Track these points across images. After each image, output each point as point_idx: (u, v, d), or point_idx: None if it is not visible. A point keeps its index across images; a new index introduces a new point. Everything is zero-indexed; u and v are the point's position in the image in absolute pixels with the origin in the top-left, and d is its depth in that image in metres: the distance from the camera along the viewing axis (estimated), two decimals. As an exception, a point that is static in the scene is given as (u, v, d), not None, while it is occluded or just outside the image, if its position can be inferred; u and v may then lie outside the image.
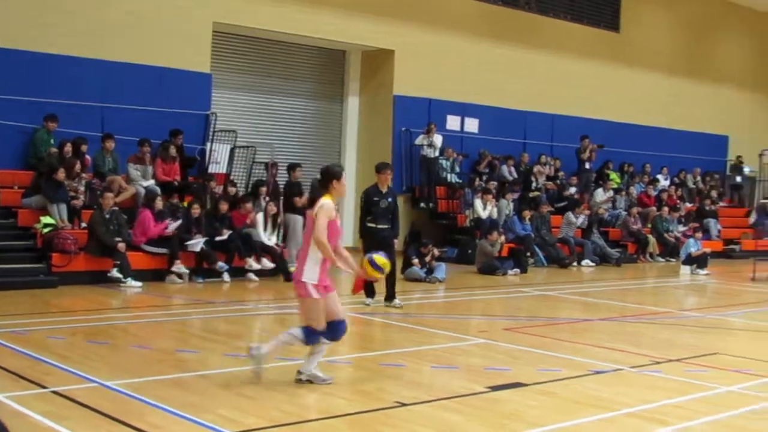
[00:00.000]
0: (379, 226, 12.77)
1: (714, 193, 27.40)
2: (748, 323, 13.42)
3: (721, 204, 27.58)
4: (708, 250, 21.20)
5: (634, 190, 25.04)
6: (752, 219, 26.11)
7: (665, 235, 23.20)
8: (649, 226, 23.46)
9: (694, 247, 20.94)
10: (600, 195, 23.49)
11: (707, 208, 26.02)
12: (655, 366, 9.35)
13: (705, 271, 20.19)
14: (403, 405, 7.31)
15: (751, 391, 8.39)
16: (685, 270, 20.39)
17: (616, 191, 24.49)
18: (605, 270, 20.34)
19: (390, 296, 12.96)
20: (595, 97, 25.81)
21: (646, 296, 16.75)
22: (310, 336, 7.78)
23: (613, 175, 25.27)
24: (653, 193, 25.37)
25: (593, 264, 20.82)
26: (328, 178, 7.93)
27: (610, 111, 26.08)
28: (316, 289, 7.70)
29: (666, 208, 24.09)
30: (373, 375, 8.61)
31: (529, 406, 7.48)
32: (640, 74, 27.42)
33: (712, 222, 25.39)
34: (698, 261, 20.41)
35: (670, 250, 22.89)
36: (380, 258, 8.43)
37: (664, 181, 26.66)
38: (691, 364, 9.52)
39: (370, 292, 12.94)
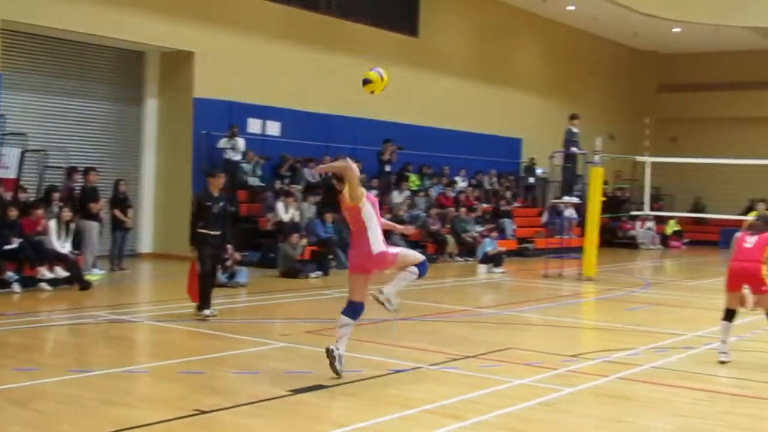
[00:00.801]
0: (212, 232, 12.41)
1: (509, 194, 28.45)
2: (540, 318, 13.99)
3: (516, 204, 28.62)
4: (503, 249, 21.99)
5: (433, 192, 25.65)
6: (544, 218, 27.22)
7: (463, 235, 23.88)
8: (448, 226, 24.08)
9: (490, 246, 21.67)
10: (397, 197, 23.90)
11: (502, 208, 26.99)
12: (453, 363, 9.61)
13: (501, 270, 20.89)
14: (203, 413, 7.19)
15: (542, 384, 8.74)
16: (482, 269, 21.06)
17: (416, 193, 25.00)
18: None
19: (203, 305, 12.49)
20: (396, 101, 26.16)
21: (445, 295, 17.16)
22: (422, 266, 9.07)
23: (413, 178, 25.79)
24: (451, 194, 26.07)
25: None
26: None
27: (411, 115, 26.58)
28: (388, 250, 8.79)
29: (464, 209, 24.82)
30: (172, 384, 8.43)
31: (331, 408, 7.53)
32: (439, 79, 28.11)
33: (507, 222, 26.32)
34: (494, 260, 21.12)
35: (468, 250, 23.57)
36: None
37: (461, 183, 27.43)
38: (486, 359, 9.82)
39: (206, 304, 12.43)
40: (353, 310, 8.72)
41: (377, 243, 8.68)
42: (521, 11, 30.71)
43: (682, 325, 13.29)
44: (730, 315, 10.19)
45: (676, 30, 32.69)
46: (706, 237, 33.91)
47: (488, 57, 30.13)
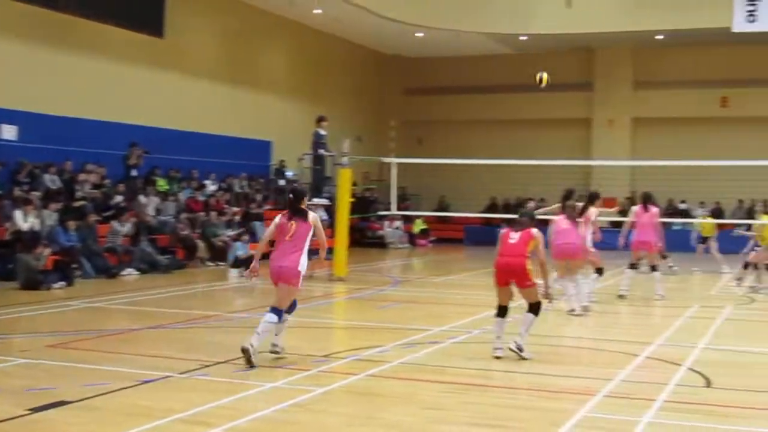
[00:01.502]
0: None
1: (259, 197, 28.40)
2: (292, 320, 13.80)
3: (266, 207, 28.59)
4: (254, 252, 21.89)
5: (182, 196, 25.21)
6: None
7: (213, 239, 23.60)
8: (198, 231, 23.72)
9: (241, 250, 21.55)
10: (144, 202, 23.29)
11: (253, 211, 26.89)
12: (204, 369, 9.46)
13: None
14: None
15: (294, 385, 8.78)
16: (233, 273, 20.89)
17: (164, 197, 24.47)
18: (155, 277, 20.18)
19: None
20: (143, 103, 25.58)
21: (197, 301, 16.88)
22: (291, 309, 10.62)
23: (161, 182, 25.23)
24: (201, 198, 25.72)
25: (137, 272, 20.52)
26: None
27: (158, 118, 25.97)
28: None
29: (214, 213, 24.53)
30: None
31: (71, 424, 7.21)
32: (187, 81, 27.65)
33: (258, 224, 26.23)
34: (246, 263, 20.97)
35: (219, 254, 23.32)
36: None
37: (211, 187, 27.10)
38: (238, 364, 9.72)
39: None
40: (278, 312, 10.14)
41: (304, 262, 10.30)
42: (269, 14, 30.72)
43: (430, 321, 13.72)
44: (502, 311, 10.59)
45: (419, 35, 33.77)
46: (452, 235, 35.34)
47: (237, 59, 29.96)
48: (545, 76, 17.29)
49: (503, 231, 10.77)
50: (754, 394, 8.94)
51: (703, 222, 24.14)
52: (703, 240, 23.40)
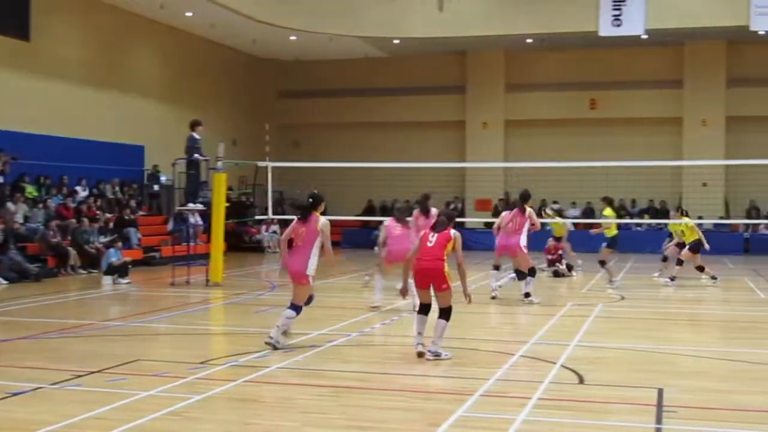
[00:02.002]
0: None
1: (133, 203, 27.86)
2: (169, 327, 13.84)
3: (140, 213, 28.12)
4: (129, 258, 21.52)
5: (52, 203, 24.54)
6: (170, 226, 26.98)
7: (86, 246, 23.05)
8: (69, 238, 23.13)
9: (114, 257, 21.12)
10: (12, 209, 22.59)
11: (127, 217, 26.37)
12: (77, 380, 9.25)
13: (126, 280, 20.41)
14: None
15: (171, 393, 8.67)
16: (107, 280, 20.47)
17: (34, 204, 23.78)
18: (25, 286, 19.60)
19: None
20: (10, 108, 24.80)
21: (70, 310, 16.49)
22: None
23: (30, 189, 24.51)
24: (72, 204, 25.07)
25: (6, 282, 19.89)
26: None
27: (26, 123, 25.19)
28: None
29: (86, 220, 23.94)
30: None
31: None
32: (55, 85, 26.92)
33: (132, 231, 25.77)
34: (119, 270, 20.60)
35: (92, 262, 22.79)
36: None
37: (83, 193, 26.45)
38: (112, 373, 9.55)
39: None
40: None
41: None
42: (139, 17, 30.17)
43: (308, 324, 13.69)
44: (424, 309, 10.81)
45: (293, 38, 33.72)
46: (331, 238, 35.24)
47: (107, 63, 29.31)
48: None
49: (423, 232, 11.03)
50: (624, 389, 9.23)
51: (552, 222, 23.74)
52: (558, 240, 23.36)
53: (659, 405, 8.42)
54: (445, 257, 10.60)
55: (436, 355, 10.52)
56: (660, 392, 8.89)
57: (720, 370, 10.57)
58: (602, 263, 19.76)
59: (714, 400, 8.74)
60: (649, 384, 9.33)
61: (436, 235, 10.70)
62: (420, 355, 10.57)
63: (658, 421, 7.87)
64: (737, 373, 10.35)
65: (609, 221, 19.91)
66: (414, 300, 13.05)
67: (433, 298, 10.81)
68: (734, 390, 9.33)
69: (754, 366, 10.53)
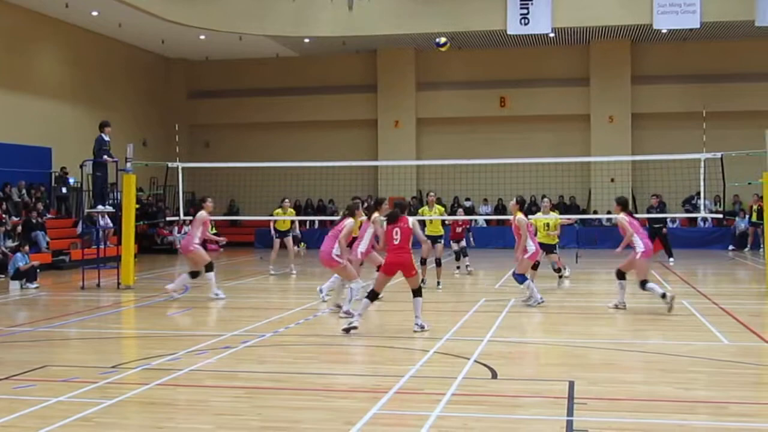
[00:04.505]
0: None
1: (40, 206, 27.26)
2: (79, 332, 13.59)
3: (48, 216, 27.55)
4: (36, 263, 21.05)
5: (-44, 207, 23.90)
6: (79, 229, 26.48)
7: None
8: (-25, 243, 22.56)
9: (22, 261, 20.63)
10: None
11: (34, 220, 25.79)
12: (-17, 388, 9.03)
13: (35, 285, 19.99)
14: None
15: (81, 399, 8.52)
16: (15, 285, 20.00)
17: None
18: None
19: None
20: None
21: (-26, 316, 16.06)
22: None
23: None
24: (-23, 208, 24.46)
25: None
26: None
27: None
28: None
29: (-9, 224, 23.38)
30: None
31: None
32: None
33: (40, 234, 25.23)
34: (27, 275, 20.15)
35: (-1, 267, 22.27)
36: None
37: (-12, 196, 25.83)
38: (20, 380, 9.35)
39: None
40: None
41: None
42: (43, 16, 29.51)
43: (221, 326, 13.65)
44: (373, 296, 12.68)
45: (203, 37, 33.38)
46: (242, 239, 35.08)
47: (11, 63, 28.59)
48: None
49: (387, 227, 12.68)
50: (537, 383, 9.38)
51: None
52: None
53: (570, 397, 8.58)
54: (410, 248, 12.57)
55: (422, 328, 12.52)
56: (571, 385, 9.05)
57: (630, 362, 10.82)
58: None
59: (623, 392, 8.93)
60: (561, 377, 9.49)
61: (399, 230, 12.52)
62: (346, 331, 12.26)
63: (569, 413, 8.01)
64: (647, 364, 10.59)
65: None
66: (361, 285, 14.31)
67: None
68: (643, 381, 9.56)
69: (663, 357, 10.78)
